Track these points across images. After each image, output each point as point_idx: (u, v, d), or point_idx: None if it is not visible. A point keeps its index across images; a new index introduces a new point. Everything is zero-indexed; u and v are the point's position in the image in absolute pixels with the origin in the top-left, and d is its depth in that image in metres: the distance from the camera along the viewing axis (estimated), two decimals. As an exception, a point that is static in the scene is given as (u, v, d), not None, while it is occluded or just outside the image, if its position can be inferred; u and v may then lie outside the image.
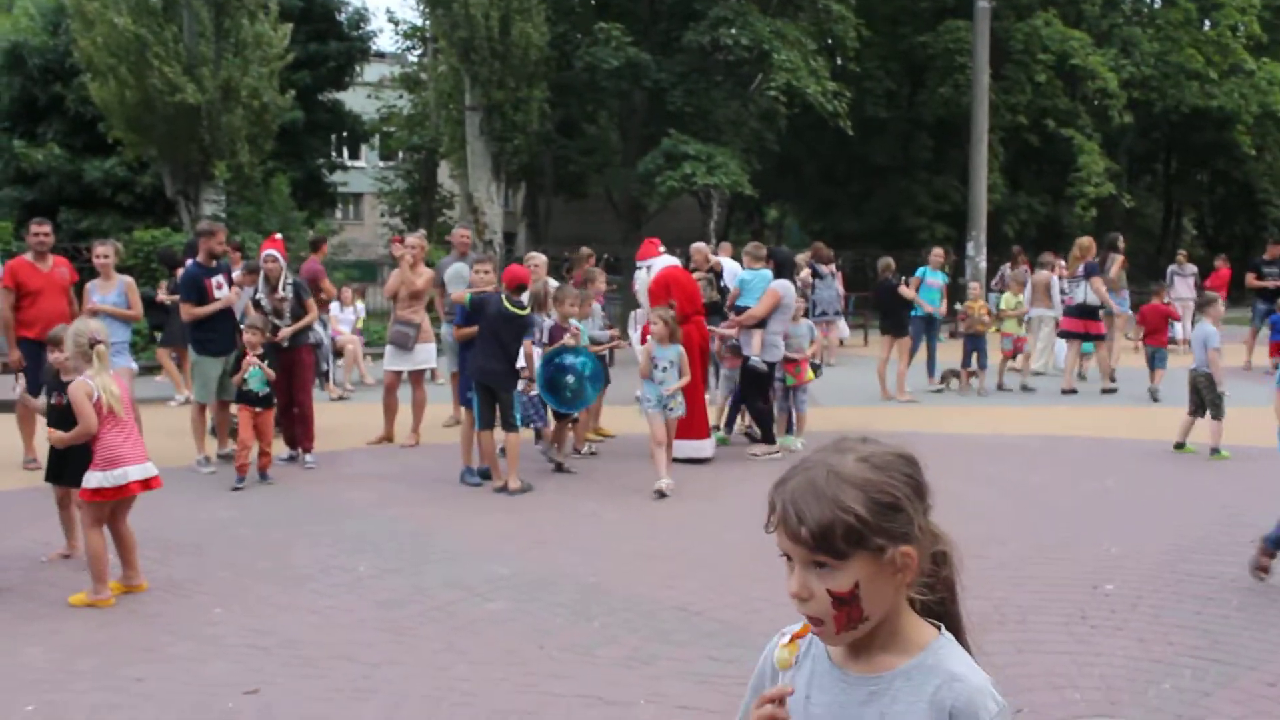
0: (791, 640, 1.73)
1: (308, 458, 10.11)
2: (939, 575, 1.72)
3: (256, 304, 9.98)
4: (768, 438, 10.63)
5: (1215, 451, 9.95)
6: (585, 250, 13.07)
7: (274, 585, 6.49)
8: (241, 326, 9.55)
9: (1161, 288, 16.07)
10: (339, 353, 15.95)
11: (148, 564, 6.76)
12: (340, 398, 14.59)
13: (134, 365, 12.77)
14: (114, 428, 6.21)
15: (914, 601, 1.69)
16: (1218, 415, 9.95)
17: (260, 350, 9.19)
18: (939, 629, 1.70)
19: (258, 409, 9.16)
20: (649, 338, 9.51)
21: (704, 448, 10.14)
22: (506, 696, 4.79)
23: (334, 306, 15.81)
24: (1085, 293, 14.52)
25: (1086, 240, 15.15)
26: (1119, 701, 4.68)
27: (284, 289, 10.01)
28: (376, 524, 7.96)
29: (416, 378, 11.40)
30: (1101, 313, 14.72)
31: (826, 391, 14.80)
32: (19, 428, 9.87)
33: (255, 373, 9.11)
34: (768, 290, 10.48)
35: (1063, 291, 15.59)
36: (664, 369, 9.16)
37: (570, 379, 9.42)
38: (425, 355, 11.41)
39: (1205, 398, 9.99)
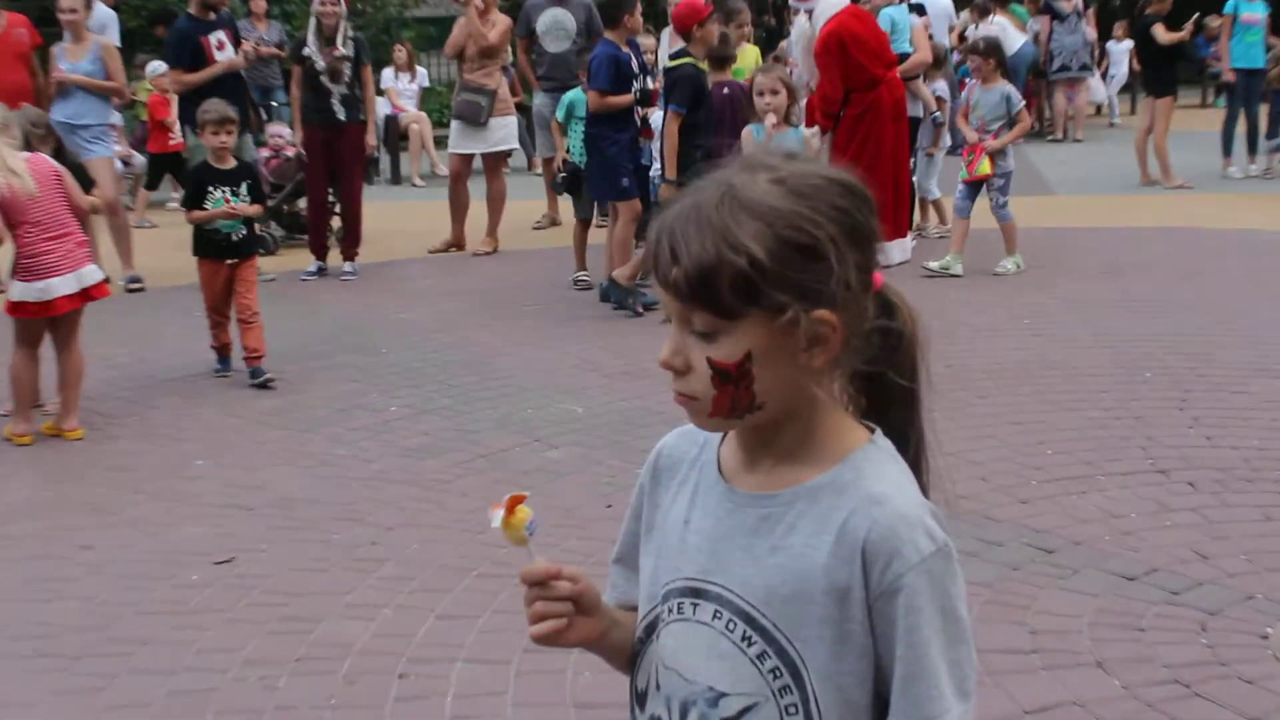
0: (509, 511, 1.56)
1: (346, 267, 10.26)
2: (890, 362, 1.54)
3: (303, 61, 10.00)
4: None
5: None
6: None
7: (277, 430, 6.62)
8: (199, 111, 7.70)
9: None
10: (402, 134, 16.03)
11: (119, 403, 7.00)
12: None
13: (135, 155, 13.13)
14: (37, 228, 6.30)
15: (857, 403, 1.56)
16: None
17: (232, 163, 7.50)
18: (871, 432, 1.54)
19: (229, 261, 7.37)
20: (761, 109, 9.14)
21: (890, 252, 9.54)
22: (550, 569, 4.80)
23: (386, 74, 15.84)
24: None
25: None
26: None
27: (343, 45, 10.04)
28: (423, 352, 8.04)
29: (492, 164, 11.31)
30: None
31: (1067, 177, 14.37)
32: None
33: (220, 204, 7.30)
34: (916, 30, 10.72)
35: None
36: None
37: None
38: (503, 134, 11.22)
39: None
